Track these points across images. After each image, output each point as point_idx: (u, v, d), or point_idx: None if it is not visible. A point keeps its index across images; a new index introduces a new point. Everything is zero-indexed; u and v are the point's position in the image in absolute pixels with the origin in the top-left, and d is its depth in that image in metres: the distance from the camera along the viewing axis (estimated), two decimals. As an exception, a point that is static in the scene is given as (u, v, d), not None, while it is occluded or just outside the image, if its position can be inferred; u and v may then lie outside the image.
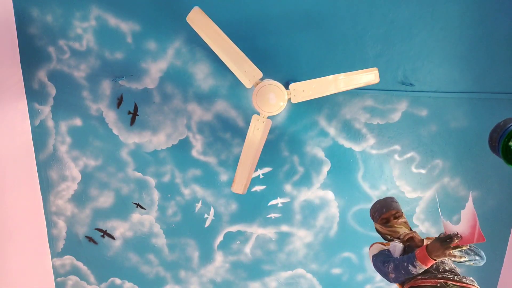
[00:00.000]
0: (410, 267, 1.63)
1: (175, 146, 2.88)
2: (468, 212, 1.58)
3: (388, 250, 1.88)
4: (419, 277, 1.69)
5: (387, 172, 2.84)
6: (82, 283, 3.33)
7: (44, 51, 2.71)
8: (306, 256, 3.13)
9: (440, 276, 1.66)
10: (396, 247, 1.84)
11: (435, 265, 1.72)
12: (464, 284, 1.61)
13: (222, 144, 2.86)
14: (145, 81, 2.75)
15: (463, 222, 1.58)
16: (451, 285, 1.60)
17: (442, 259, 1.60)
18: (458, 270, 1.75)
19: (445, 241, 1.55)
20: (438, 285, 1.62)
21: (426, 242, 1.84)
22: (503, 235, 2.93)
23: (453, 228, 1.60)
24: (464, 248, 1.55)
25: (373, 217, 2.18)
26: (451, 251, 1.54)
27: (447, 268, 1.72)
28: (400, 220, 2.02)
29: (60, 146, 2.93)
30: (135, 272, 3.27)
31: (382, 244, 1.99)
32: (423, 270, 1.63)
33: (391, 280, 1.77)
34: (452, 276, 1.66)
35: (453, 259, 1.61)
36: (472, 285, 1.62)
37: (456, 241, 1.54)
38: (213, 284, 3.28)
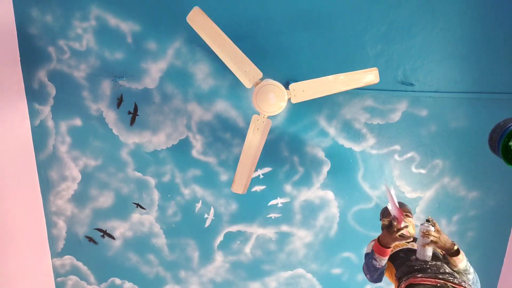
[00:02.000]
0: (373, 261, 1.77)
1: (175, 146, 2.88)
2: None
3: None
4: (419, 275, 1.70)
5: (387, 172, 2.84)
6: (82, 283, 3.33)
7: (44, 51, 2.71)
8: (306, 256, 3.13)
9: (440, 277, 1.66)
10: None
11: (435, 268, 1.72)
12: None
13: (222, 144, 2.86)
14: (145, 81, 2.75)
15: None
16: (450, 286, 1.60)
17: (395, 244, 1.73)
18: (456, 274, 1.75)
19: (389, 227, 1.70)
20: (438, 285, 1.62)
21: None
22: (503, 235, 2.93)
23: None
24: (404, 226, 1.70)
25: (383, 213, 2.26)
26: (397, 235, 1.67)
27: (447, 270, 1.72)
28: (409, 219, 2.12)
29: (60, 146, 2.93)
30: (135, 272, 3.27)
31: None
32: (384, 261, 1.77)
33: (369, 280, 1.90)
34: (452, 278, 1.66)
35: (405, 241, 1.72)
36: None
37: (395, 224, 1.68)
38: (213, 284, 3.28)
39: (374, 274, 1.82)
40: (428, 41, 2.55)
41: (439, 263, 1.77)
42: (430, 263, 1.75)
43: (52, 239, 3.21)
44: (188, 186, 2.98)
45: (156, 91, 2.77)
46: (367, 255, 1.91)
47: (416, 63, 2.59)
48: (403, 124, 2.72)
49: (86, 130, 2.88)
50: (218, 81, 2.72)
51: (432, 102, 2.67)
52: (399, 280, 1.80)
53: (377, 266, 1.77)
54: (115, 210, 3.09)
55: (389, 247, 1.72)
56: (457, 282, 1.63)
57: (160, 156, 2.91)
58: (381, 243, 1.73)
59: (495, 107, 2.64)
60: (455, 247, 1.74)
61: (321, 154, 2.83)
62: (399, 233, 1.68)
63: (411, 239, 1.74)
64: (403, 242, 1.79)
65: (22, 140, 2.86)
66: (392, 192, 1.78)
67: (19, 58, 2.73)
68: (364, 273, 1.91)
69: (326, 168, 2.86)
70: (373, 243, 1.98)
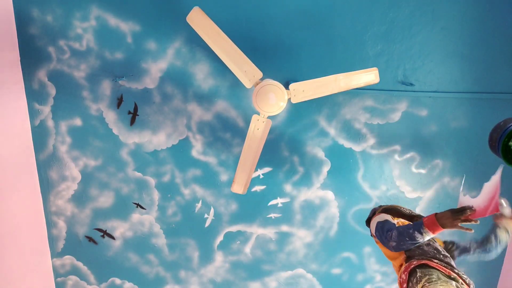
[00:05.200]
0: (416, 233, 1.61)
1: (175, 146, 2.88)
2: (491, 184, 1.57)
3: (394, 224, 1.87)
4: (436, 261, 1.65)
5: (387, 172, 2.84)
6: (82, 283, 3.33)
7: (44, 51, 2.71)
8: (306, 256, 3.13)
9: (455, 271, 1.64)
10: None
11: (448, 259, 1.70)
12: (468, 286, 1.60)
13: (222, 144, 2.86)
14: (145, 81, 2.75)
15: (482, 195, 1.58)
16: (461, 282, 1.58)
17: (451, 229, 1.59)
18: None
19: (457, 212, 1.55)
20: (452, 276, 1.58)
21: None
22: (503, 235, 2.93)
23: (469, 202, 1.61)
24: (474, 223, 1.54)
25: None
26: (459, 223, 1.54)
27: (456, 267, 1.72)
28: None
29: (60, 146, 2.93)
30: (135, 272, 3.27)
31: (391, 217, 1.96)
32: (429, 237, 1.61)
33: (391, 249, 1.74)
34: (465, 277, 1.65)
35: (464, 231, 1.59)
36: None
37: (469, 213, 1.54)
38: (213, 284, 3.28)
39: (404, 244, 1.66)
40: (428, 41, 2.55)
41: (445, 253, 1.76)
42: (443, 253, 1.72)
43: (52, 239, 3.21)
44: (188, 186, 2.98)
45: (156, 91, 2.77)
46: (391, 224, 1.79)
47: (416, 63, 2.59)
48: (403, 124, 2.72)
49: (86, 130, 2.88)
50: (218, 81, 2.72)
51: (432, 102, 2.67)
52: (408, 257, 1.73)
53: (418, 239, 1.61)
54: (115, 210, 3.09)
55: (444, 229, 1.58)
56: (467, 282, 1.61)
57: (160, 156, 2.91)
58: (438, 220, 1.57)
59: (495, 107, 2.64)
60: None
61: (321, 154, 2.83)
62: (465, 223, 1.54)
63: (472, 231, 1.60)
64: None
65: (22, 140, 2.86)
66: (498, 180, 1.56)
67: (19, 58, 2.73)
68: (388, 239, 1.72)
69: (326, 168, 2.86)
70: (389, 217, 1.92)
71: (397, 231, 1.70)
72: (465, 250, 1.93)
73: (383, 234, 1.79)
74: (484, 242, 1.93)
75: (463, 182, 1.83)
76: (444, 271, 1.60)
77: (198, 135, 2.85)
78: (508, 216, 1.98)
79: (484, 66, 2.57)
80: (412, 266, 1.66)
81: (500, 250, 1.89)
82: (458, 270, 1.64)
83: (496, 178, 1.57)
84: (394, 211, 2.05)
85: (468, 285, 1.59)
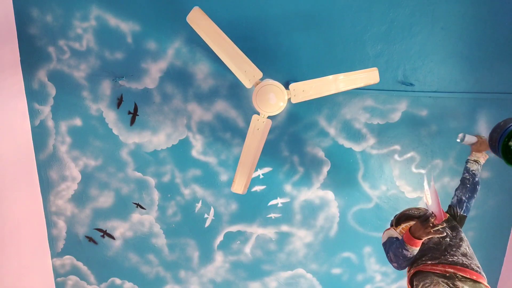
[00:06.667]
0: (405, 251, 1.71)
1: (175, 146, 2.88)
2: (432, 191, 1.69)
3: (397, 238, 1.90)
4: (429, 262, 1.71)
5: (387, 172, 2.84)
6: (82, 283, 3.34)
7: (44, 51, 2.71)
8: (306, 256, 3.13)
9: (450, 259, 1.68)
10: None
11: (449, 250, 1.73)
12: (475, 275, 1.61)
13: (222, 144, 2.86)
14: (145, 81, 2.75)
15: (433, 202, 1.70)
16: (460, 277, 1.60)
17: (427, 237, 1.67)
18: (470, 251, 1.77)
19: (424, 221, 1.64)
20: (447, 274, 1.61)
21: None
22: (503, 235, 2.93)
23: (430, 209, 1.71)
24: (441, 227, 1.63)
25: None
26: (431, 230, 1.62)
27: (461, 251, 1.73)
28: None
29: (60, 146, 2.93)
30: (135, 272, 3.27)
31: (394, 229, 2.02)
32: (416, 250, 1.71)
33: (396, 268, 1.84)
34: (468, 262, 1.66)
35: (438, 235, 1.67)
36: (482, 282, 1.60)
37: (432, 220, 1.62)
38: (213, 284, 3.28)
39: (403, 263, 1.77)
40: (428, 41, 2.55)
41: (449, 241, 1.79)
42: (443, 245, 1.76)
43: (52, 239, 3.21)
44: (188, 186, 2.98)
45: (156, 91, 2.77)
46: (392, 244, 1.85)
47: (416, 63, 2.59)
48: (403, 124, 2.72)
49: (86, 130, 2.88)
50: (218, 81, 2.72)
51: (432, 102, 2.67)
52: (411, 264, 1.80)
53: (409, 256, 1.71)
54: (115, 210, 3.09)
55: (422, 240, 1.67)
56: (469, 268, 1.64)
57: (160, 156, 2.91)
58: (413, 235, 1.67)
59: (495, 107, 2.64)
60: None
61: (321, 154, 2.83)
62: (435, 229, 1.61)
63: (445, 234, 1.69)
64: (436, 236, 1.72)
65: (22, 140, 2.86)
66: (434, 188, 1.70)
67: (19, 58, 2.73)
68: (390, 261, 1.84)
69: (326, 168, 2.86)
70: (391, 232, 1.98)
71: (392, 253, 1.80)
72: (461, 202, 2.04)
73: (387, 256, 1.89)
74: (466, 183, 2.09)
75: (425, 191, 1.84)
76: (439, 272, 1.65)
77: (198, 135, 2.85)
78: (473, 141, 2.21)
79: (484, 66, 2.57)
80: (410, 276, 1.77)
81: (479, 179, 2.10)
82: (462, 261, 1.67)
83: (433, 184, 1.71)
84: (404, 217, 2.09)
85: (470, 270, 1.63)
